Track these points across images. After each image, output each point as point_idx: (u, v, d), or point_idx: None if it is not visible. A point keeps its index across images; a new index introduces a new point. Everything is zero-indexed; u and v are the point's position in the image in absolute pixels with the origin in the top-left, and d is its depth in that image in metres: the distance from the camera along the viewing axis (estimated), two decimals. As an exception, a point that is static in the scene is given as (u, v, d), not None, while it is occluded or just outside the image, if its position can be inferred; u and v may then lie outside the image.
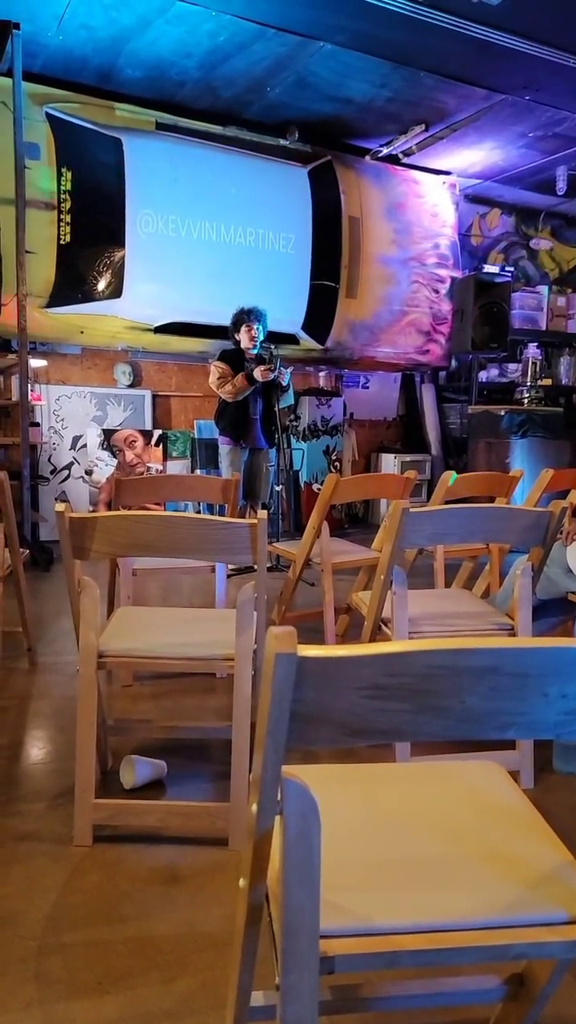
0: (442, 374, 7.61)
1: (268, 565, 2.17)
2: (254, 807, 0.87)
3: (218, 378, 4.83)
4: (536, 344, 7.36)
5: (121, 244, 5.59)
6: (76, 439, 5.95)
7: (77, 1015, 1.37)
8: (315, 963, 0.87)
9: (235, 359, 4.88)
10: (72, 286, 5.45)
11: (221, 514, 3.12)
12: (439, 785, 1.24)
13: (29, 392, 5.06)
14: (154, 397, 6.31)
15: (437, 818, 1.14)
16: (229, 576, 3.36)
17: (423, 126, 5.95)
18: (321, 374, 7.12)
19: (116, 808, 1.98)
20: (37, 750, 2.50)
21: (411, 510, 2.12)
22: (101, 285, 5.56)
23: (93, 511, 5.61)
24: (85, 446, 5.96)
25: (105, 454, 5.99)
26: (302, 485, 6.61)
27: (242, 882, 0.95)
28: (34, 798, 2.13)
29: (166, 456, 6.23)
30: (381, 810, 1.16)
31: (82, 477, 5.97)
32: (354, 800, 1.18)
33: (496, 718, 0.85)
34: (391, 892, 0.97)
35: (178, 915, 1.65)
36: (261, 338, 4.90)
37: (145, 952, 1.53)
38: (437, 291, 7.06)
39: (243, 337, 4.89)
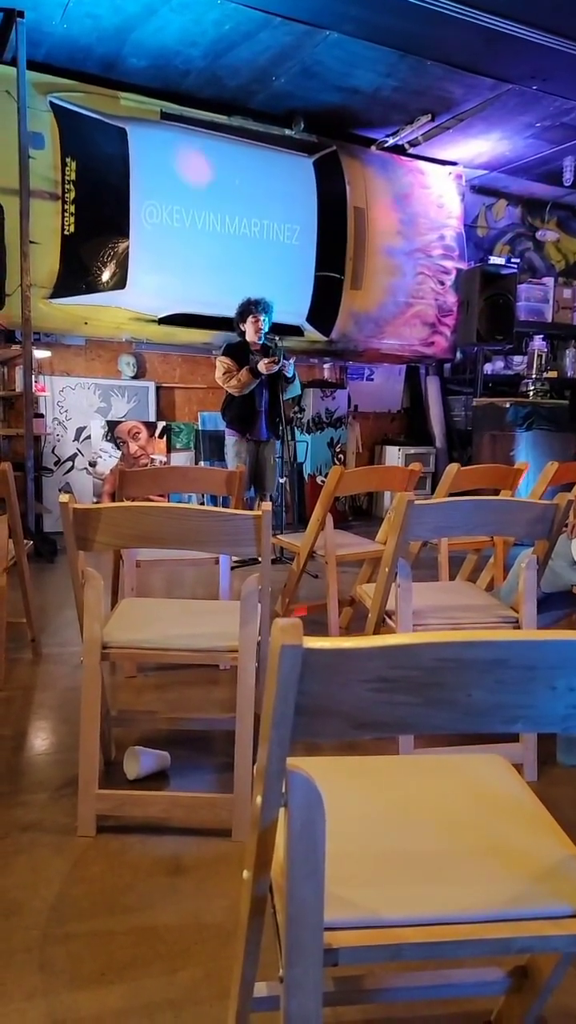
0: (447, 366, 7.59)
1: (272, 557, 2.17)
2: (259, 799, 0.87)
3: (223, 373, 4.83)
4: (542, 336, 7.33)
5: (125, 235, 5.57)
6: (80, 430, 5.94)
7: (81, 1005, 1.37)
8: (319, 955, 0.87)
9: (240, 352, 4.87)
10: (76, 277, 5.43)
11: (225, 506, 3.12)
12: (443, 778, 1.23)
13: (33, 383, 5.05)
14: (158, 389, 6.30)
15: (441, 811, 1.13)
16: (233, 568, 3.35)
17: (429, 116, 5.91)
18: (326, 366, 7.11)
19: (120, 799, 1.98)
20: (41, 741, 2.51)
21: (416, 502, 2.11)
22: (105, 276, 5.54)
23: (97, 503, 5.62)
24: (89, 438, 5.95)
25: (109, 446, 5.98)
26: (306, 478, 6.60)
27: (246, 874, 0.95)
28: (38, 788, 2.14)
29: (170, 448, 6.22)
30: (385, 802, 1.16)
31: (86, 469, 5.97)
32: (358, 792, 1.17)
33: (503, 711, 0.85)
34: (395, 885, 0.97)
35: (182, 906, 1.65)
36: (266, 329, 4.89)
37: (149, 942, 1.53)
38: (442, 283, 7.03)
39: (249, 328, 4.87)
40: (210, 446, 6.27)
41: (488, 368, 7.36)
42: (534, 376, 6.85)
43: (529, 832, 1.08)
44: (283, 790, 0.86)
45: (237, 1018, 1.10)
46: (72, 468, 5.93)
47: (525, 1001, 1.26)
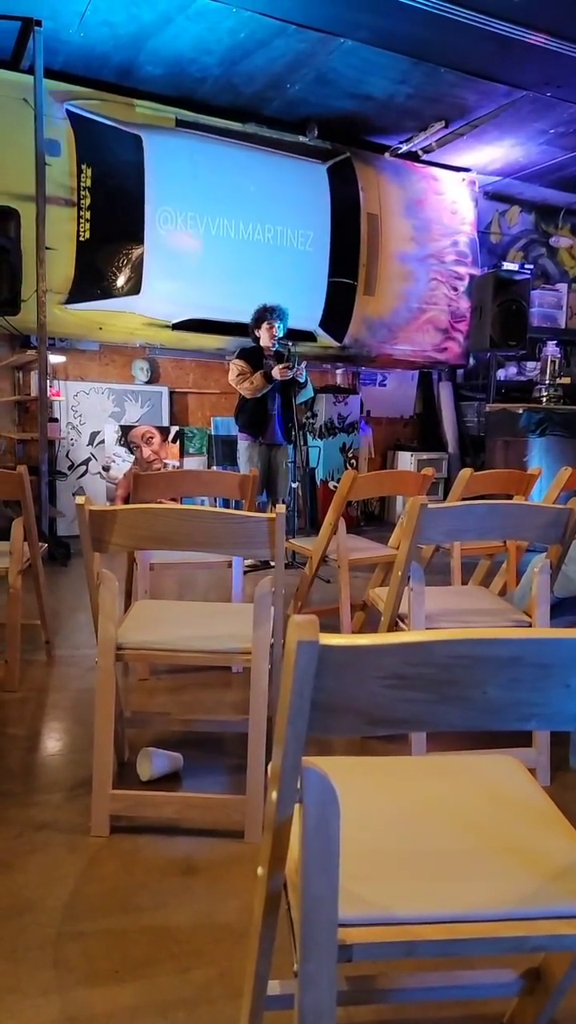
0: (460, 372, 7.58)
1: (284, 561, 2.18)
2: (274, 795, 0.88)
3: (237, 375, 4.86)
4: (555, 342, 7.31)
5: (140, 241, 5.61)
6: (94, 435, 5.98)
7: (94, 1002, 1.38)
8: (333, 951, 0.88)
9: (254, 356, 4.90)
10: (91, 283, 5.47)
11: (238, 510, 3.13)
12: (457, 778, 1.24)
13: (48, 388, 5.09)
14: (171, 393, 6.34)
15: (455, 810, 1.14)
16: (245, 573, 3.36)
17: (443, 123, 5.93)
18: (338, 371, 7.12)
19: (133, 799, 1.99)
20: (55, 741, 2.52)
21: (429, 506, 2.11)
22: (120, 282, 5.58)
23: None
24: (103, 442, 5.99)
25: (122, 450, 6.02)
26: (318, 483, 6.61)
27: (260, 870, 0.95)
28: (52, 789, 2.15)
29: (183, 452, 6.25)
30: (399, 802, 1.16)
31: (99, 473, 6.00)
32: (372, 791, 1.18)
33: (517, 709, 0.85)
34: (409, 882, 0.97)
35: (194, 906, 1.65)
36: (281, 335, 4.92)
37: (162, 942, 1.54)
38: (456, 289, 7.03)
39: (263, 335, 4.90)
40: (223, 451, 6.29)
41: (501, 374, 7.35)
42: (547, 382, 6.83)
43: (543, 832, 1.08)
44: (298, 786, 0.86)
45: (251, 1015, 1.10)
46: (86, 472, 5.97)
47: (538, 1003, 1.26)
